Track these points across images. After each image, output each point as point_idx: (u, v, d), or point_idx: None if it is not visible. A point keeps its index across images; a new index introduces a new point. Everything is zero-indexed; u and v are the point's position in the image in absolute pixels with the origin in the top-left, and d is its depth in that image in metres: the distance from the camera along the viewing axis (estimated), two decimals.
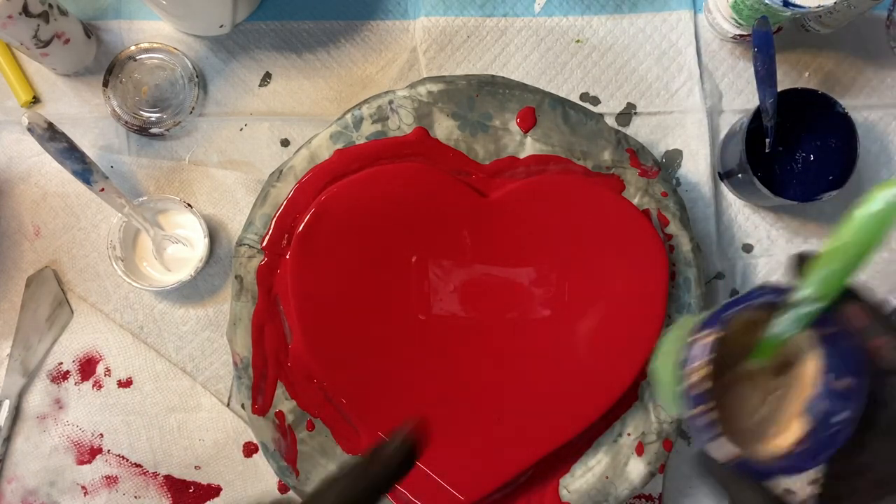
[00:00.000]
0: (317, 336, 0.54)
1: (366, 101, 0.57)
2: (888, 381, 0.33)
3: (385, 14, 0.65)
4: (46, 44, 0.57)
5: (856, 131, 0.59)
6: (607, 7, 0.66)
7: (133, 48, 0.63)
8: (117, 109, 0.62)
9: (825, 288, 0.32)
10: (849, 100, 0.66)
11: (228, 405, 0.61)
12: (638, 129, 0.65)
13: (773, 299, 0.34)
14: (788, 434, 0.35)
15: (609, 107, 0.65)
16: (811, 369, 0.35)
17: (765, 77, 0.58)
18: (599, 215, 0.56)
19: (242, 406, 0.57)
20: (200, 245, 0.60)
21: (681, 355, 0.35)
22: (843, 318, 0.34)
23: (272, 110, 0.64)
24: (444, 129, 0.56)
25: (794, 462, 0.33)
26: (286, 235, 0.55)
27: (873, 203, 0.30)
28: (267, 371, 0.55)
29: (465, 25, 0.65)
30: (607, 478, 0.55)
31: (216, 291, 0.62)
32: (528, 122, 0.57)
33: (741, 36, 0.64)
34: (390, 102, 0.56)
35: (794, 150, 0.62)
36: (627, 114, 0.65)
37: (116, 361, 0.61)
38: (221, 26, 0.63)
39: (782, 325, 0.33)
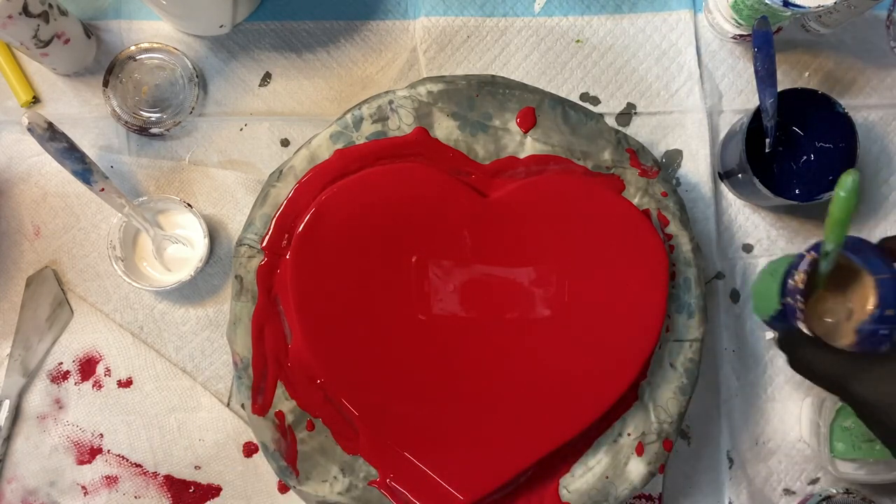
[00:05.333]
0: (317, 336, 0.54)
1: (366, 101, 0.57)
2: None
3: (385, 14, 0.65)
4: (46, 44, 0.57)
5: (856, 131, 0.59)
6: (607, 7, 0.66)
7: (133, 48, 0.63)
8: (117, 109, 0.62)
9: (834, 241, 0.50)
10: (849, 100, 0.66)
11: (228, 405, 0.61)
12: (638, 129, 0.65)
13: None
14: (844, 339, 0.54)
15: (609, 107, 0.65)
16: (870, 304, 0.54)
17: (765, 77, 0.58)
18: (599, 215, 0.56)
19: (242, 406, 0.57)
20: (200, 245, 0.60)
21: (783, 272, 0.53)
22: (887, 254, 0.51)
23: (272, 110, 0.64)
24: (444, 129, 0.56)
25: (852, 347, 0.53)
26: (286, 235, 0.55)
27: (844, 186, 0.47)
28: (267, 371, 0.55)
29: (465, 25, 0.65)
30: (607, 478, 0.55)
31: (216, 291, 0.62)
32: (528, 122, 0.57)
33: (741, 36, 0.64)
34: (390, 102, 0.56)
35: (794, 150, 0.62)
36: (627, 114, 0.65)
37: (116, 361, 0.61)
38: (221, 26, 0.63)
39: (823, 266, 0.52)
